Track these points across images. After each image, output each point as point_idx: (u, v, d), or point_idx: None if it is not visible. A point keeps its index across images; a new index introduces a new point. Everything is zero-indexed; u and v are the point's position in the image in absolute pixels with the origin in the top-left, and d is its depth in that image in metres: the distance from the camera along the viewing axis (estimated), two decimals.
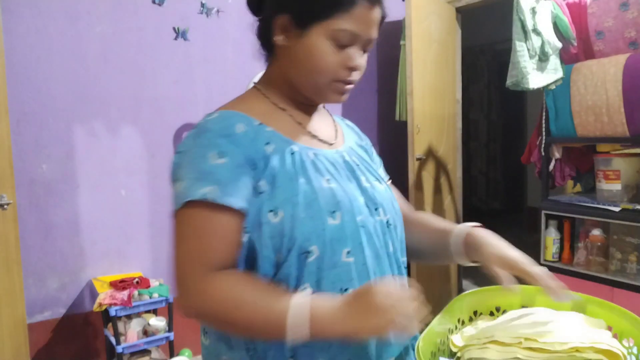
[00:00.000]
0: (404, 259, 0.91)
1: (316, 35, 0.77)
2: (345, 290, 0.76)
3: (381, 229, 0.84)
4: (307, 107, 0.89)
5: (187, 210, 0.74)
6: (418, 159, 2.91)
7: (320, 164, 0.81)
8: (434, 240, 0.94)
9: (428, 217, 1.00)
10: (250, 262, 0.76)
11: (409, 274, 2.86)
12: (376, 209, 0.84)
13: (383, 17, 0.82)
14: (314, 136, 0.86)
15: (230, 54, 2.76)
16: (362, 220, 0.80)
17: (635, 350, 0.78)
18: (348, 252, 0.77)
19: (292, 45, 0.80)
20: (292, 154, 0.79)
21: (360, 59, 0.81)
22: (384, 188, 0.89)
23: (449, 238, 0.90)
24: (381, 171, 0.99)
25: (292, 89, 0.85)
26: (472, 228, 0.90)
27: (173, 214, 0.77)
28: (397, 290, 0.68)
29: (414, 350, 0.83)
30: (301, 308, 0.68)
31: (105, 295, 2.21)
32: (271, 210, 0.74)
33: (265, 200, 0.75)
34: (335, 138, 0.91)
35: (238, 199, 0.73)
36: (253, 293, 0.71)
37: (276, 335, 0.69)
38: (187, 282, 0.72)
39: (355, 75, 0.82)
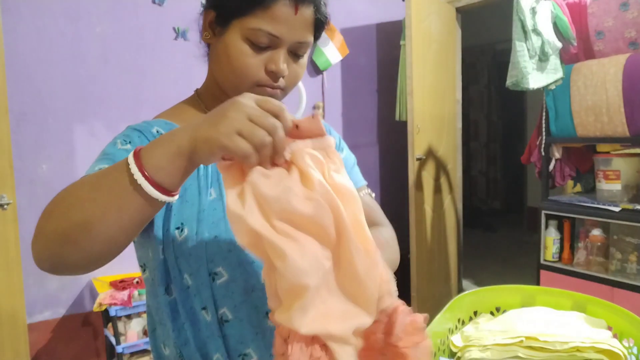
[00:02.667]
0: None
1: (233, 33, 0.72)
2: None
3: None
4: None
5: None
6: (418, 159, 2.91)
7: None
8: None
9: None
10: (168, 282, 0.71)
11: (408, 273, 2.86)
12: None
13: (320, 19, 0.73)
14: None
15: None
16: None
17: (635, 350, 0.78)
18: None
19: (214, 43, 0.76)
20: (207, 165, 0.73)
21: (284, 64, 0.72)
22: None
23: None
24: (353, 177, 0.88)
25: (223, 92, 0.79)
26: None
27: None
28: (267, 101, 0.52)
29: None
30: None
31: (105, 295, 2.22)
32: (177, 227, 0.70)
33: (173, 216, 0.70)
34: None
35: None
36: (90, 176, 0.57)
37: (126, 190, 0.51)
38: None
39: (283, 82, 0.74)
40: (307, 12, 0.71)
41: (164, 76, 2.58)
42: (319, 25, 0.74)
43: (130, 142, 0.71)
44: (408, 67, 2.87)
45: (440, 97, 3.13)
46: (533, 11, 2.10)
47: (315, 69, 3.05)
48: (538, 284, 2.36)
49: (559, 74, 2.20)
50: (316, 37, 0.76)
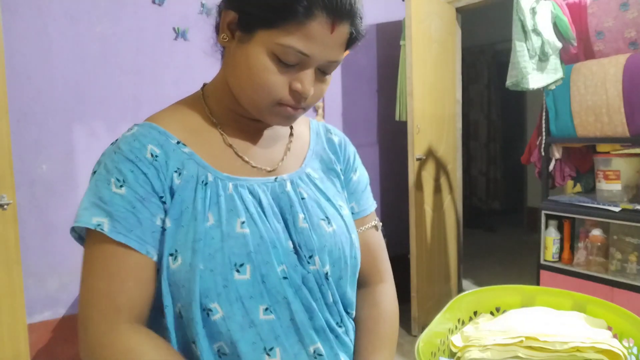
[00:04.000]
0: (351, 312, 0.78)
1: (259, 44, 0.64)
2: (271, 349, 0.66)
3: (315, 280, 0.70)
4: (252, 123, 0.75)
5: (90, 240, 0.65)
6: (418, 159, 2.91)
7: (239, 199, 0.68)
8: (355, 346, 0.78)
9: (367, 322, 0.79)
10: (158, 315, 0.67)
11: (408, 273, 2.86)
12: (310, 257, 0.70)
13: (354, 35, 0.66)
14: (246, 162, 0.72)
15: None
16: (284, 271, 0.67)
17: (635, 350, 0.78)
18: (266, 309, 0.66)
19: (233, 48, 0.67)
20: (205, 184, 0.67)
21: (309, 85, 0.66)
22: (332, 230, 0.73)
23: None
24: (364, 201, 0.84)
25: (233, 99, 0.72)
26: None
27: (71, 231, 0.69)
28: None
29: None
30: None
31: None
32: (171, 254, 0.64)
33: (167, 241, 0.65)
34: (283, 162, 0.76)
35: (132, 238, 0.63)
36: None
37: None
38: (86, 328, 0.62)
39: (306, 102, 0.68)
40: (344, 29, 0.64)
41: (164, 76, 2.58)
42: (353, 41, 0.67)
43: (123, 183, 0.64)
44: (408, 67, 2.87)
45: (440, 97, 3.13)
46: (533, 11, 2.10)
47: None
48: (538, 284, 2.36)
49: (559, 74, 2.20)
50: (348, 50, 0.69)
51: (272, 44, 0.63)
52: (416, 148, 2.88)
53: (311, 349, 0.69)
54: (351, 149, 0.87)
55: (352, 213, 0.83)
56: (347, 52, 0.69)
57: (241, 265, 0.65)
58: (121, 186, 0.64)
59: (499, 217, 5.63)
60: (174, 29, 2.59)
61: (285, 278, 0.67)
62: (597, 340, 0.75)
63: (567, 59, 2.31)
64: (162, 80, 2.57)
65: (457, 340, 0.85)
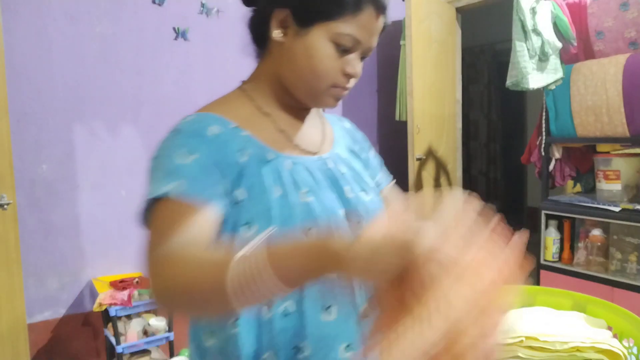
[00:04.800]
0: None
1: (317, 35, 0.73)
2: (328, 307, 0.73)
3: None
4: (296, 111, 0.83)
5: (157, 210, 0.67)
6: (418, 159, 2.91)
7: (298, 175, 0.76)
8: None
9: None
10: None
11: None
12: (359, 222, 0.78)
13: (385, 26, 0.79)
14: (296, 145, 0.80)
15: (230, 54, 2.76)
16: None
17: (635, 350, 0.78)
18: None
19: (289, 42, 0.75)
20: (268, 162, 0.74)
21: (359, 67, 0.77)
22: (370, 199, 0.83)
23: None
24: (380, 175, 0.95)
25: (282, 90, 0.80)
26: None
27: (142, 218, 0.71)
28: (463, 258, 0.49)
29: None
30: (254, 249, 0.55)
31: (105, 295, 2.21)
32: (246, 224, 0.70)
33: (242, 211, 0.70)
34: (322, 144, 0.85)
35: (206, 194, 0.67)
36: (203, 250, 0.62)
37: (221, 292, 0.54)
38: (151, 266, 0.63)
39: (352, 82, 0.78)
40: (381, 20, 0.76)
41: (164, 76, 2.58)
42: (382, 31, 0.79)
43: (189, 154, 0.69)
44: (408, 67, 2.87)
45: (440, 97, 3.12)
46: (533, 11, 2.10)
47: None
48: (538, 284, 2.36)
49: (559, 74, 2.20)
50: None
51: (331, 34, 0.73)
52: (416, 148, 2.88)
53: (361, 310, 0.73)
54: (360, 133, 0.98)
55: (377, 185, 0.94)
56: None
57: (309, 229, 0.72)
58: (189, 156, 0.69)
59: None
60: (174, 29, 2.59)
61: None
62: (597, 340, 0.75)
63: (567, 59, 2.31)
64: (162, 80, 2.57)
65: None
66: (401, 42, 3.10)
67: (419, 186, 2.94)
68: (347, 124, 0.97)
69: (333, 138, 0.89)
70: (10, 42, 2.16)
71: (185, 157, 0.69)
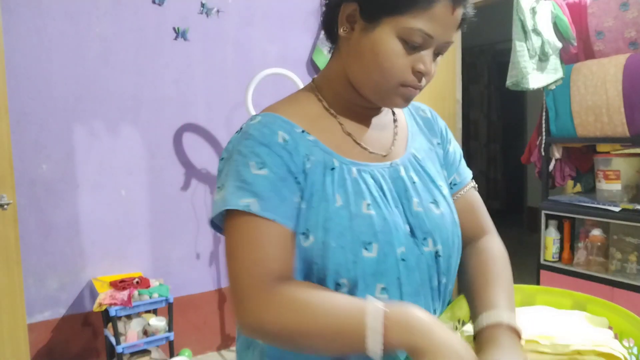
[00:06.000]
0: (451, 288, 0.82)
1: (385, 31, 0.68)
2: None
3: (426, 262, 0.74)
4: (365, 110, 0.79)
5: (234, 220, 0.68)
6: None
7: (363, 183, 0.72)
8: (468, 300, 0.80)
9: (476, 268, 0.81)
10: None
11: None
12: (425, 239, 0.74)
13: (464, 18, 0.72)
14: (364, 149, 0.76)
15: (230, 54, 2.76)
16: (403, 253, 0.71)
17: (635, 350, 0.78)
18: (383, 288, 0.69)
19: (356, 38, 0.71)
20: (332, 169, 0.71)
21: (431, 64, 0.71)
22: (439, 213, 0.77)
23: (473, 319, 0.75)
24: (458, 173, 0.88)
25: (350, 89, 0.76)
26: (490, 326, 0.69)
27: (212, 221, 0.73)
28: None
29: None
30: (378, 311, 0.60)
31: (105, 295, 2.21)
32: (303, 233, 0.69)
33: (300, 220, 0.69)
34: (394, 146, 0.80)
35: (279, 215, 0.67)
36: (323, 297, 0.64)
37: (355, 342, 0.60)
38: (245, 296, 0.65)
39: (424, 81, 0.73)
40: (459, 13, 0.70)
41: (164, 76, 2.58)
42: (463, 24, 0.73)
43: (263, 165, 0.68)
44: None
45: (440, 97, 3.12)
46: (533, 11, 2.10)
47: (315, 69, 3.04)
48: (538, 283, 2.36)
49: (559, 74, 2.20)
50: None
51: (399, 28, 0.67)
52: None
53: None
54: (442, 122, 0.91)
55: (455, 184, 0.88)
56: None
57: (369, 243, 0.69)
58: (261, 168, 0.68)
59: (499, 217, 5.62)
60: (174, 29, 2.59)
61: (403, 260, 0.71)
62: (598, 343, 0.74)
63: (567, 59, 2.31)
64: (162, 80, 2.57)
65: None
66: None
67: None
68: (428, 113, 0.91)
69: (407, 136, 0.84)
70: (10, 42, 2.16)
71: (259, 170, 0.68)
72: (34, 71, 2.26)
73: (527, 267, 2.61)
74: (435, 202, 0.78)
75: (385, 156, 0.78)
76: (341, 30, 0.72)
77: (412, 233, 0.74)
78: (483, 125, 5.75)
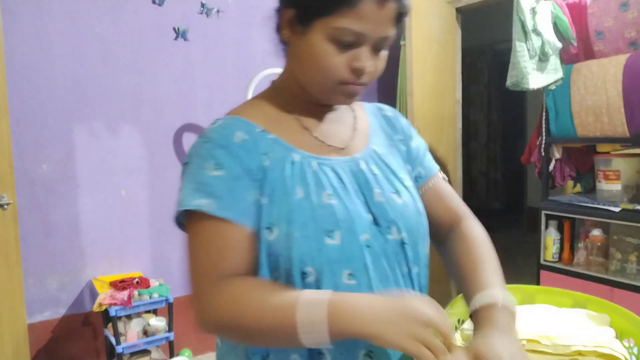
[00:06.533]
0: (425, 277, 0.83)
1: (318, 33, 0.71)
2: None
3: (392, 250, 0.76)
4: (320, 107, 0.82)
5: (192, 220, 0.72)
6: None
7: (324, 175, 0.75)
8: (459, 286, 0.81)
9: (462, 253, 0.82)
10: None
11: None
12: (388, 227, 0.76)
13: (401, 12, 0.73)
14: (322, 142, 0.79)
15: (230, 54, 2.76)
16: (368, 240, 0.74)
17: (635, 350, 0.78)
18: (350, 275, 0.72)
19: (295, 42, 0.75)
20: (293, 163, 0.74)
21: (369, 60, 0.74)
22: (402, 202, 0.79)
23: (467, 301, 0.76)
24: (422, 167, 0.89)
25: (301, 89, 0.80)
26: (485, 307, 0.70)
27: (175, 220, 0.76)
28: (439, 320, 0.62)
29: None
30: (316, 303, 0.62)
31: (105, 295, 2.21)
32: (267, 227, 0.71)
33: (263, 216, 0.71)
34: (353, 140, 0.83)
35: (235, 213, 0.70)
36: (262, 292, 0.67)
37: (288, 337, 0.63)
38: (199, 296, 0.70)
39: (366, 78, 0.75)
40: (392, 6, 0.71)
41: (164, 76, 2.58)
42: (401, 17, 0.74)
43: (220, 167, 0.71)
44: (408, 67, 2.87)
45: (440, 97, 3.12)
46: (533, 11, 2.10)
47: None
48: (538, 284, 2.36)
49: (559, 74, 2.20)
50: (396, 29, 0.76)
51: (329, 29, 0.70)
52: None
53: None
54: (404, 120, 0.94)
55: (420, 177, 0.90)
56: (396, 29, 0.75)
57: (332, 231, 0.71)
58: (218, 169, 0.71)
59: (499, 217, 5.63)
60: (174, 29, 2.59)
61: (368, 246, 0.73)
62: (599, 344, 0.74)
63: (567, 59, 2.30)
64: (162, 80, 2.57)
65: (457, 339, 0.84)
66: (401, 42, 3.10)
67: None
68: (389, 112, 0.93)
69: (368, 132, 0.86)
70: (10, 42, 2.16)
71: (215, 171, 0.71)
72: (34, 71, 2.26)
73: (527, 267, 2.62)
74: (397, 192, 0.80)
75: (343, 149, 0.80)
76: (282, 34, 0.76)
77: (376, 222, 0.76)
78: (483, 126, 5.74)
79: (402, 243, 0.77)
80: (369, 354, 0.72)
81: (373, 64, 0.75)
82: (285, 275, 0.70)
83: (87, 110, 2.40)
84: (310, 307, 0.62)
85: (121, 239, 2.51)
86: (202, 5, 2.66)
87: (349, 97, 0.78)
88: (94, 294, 2.37)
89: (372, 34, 0.71)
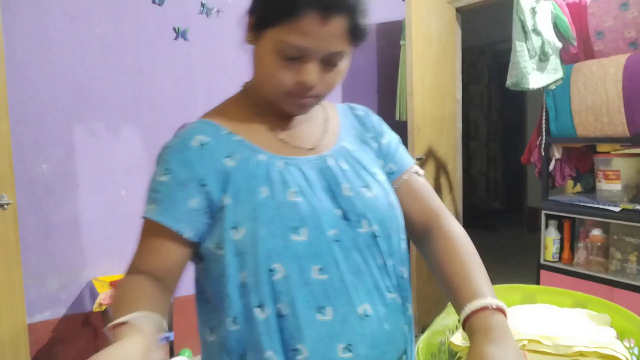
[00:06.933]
0: (403, 269, 0.83)
1: (266, 43, 0.71)
2: (322, 308, 0.72)
3: (364, 243, 0.76)
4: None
5: (143, 225, 0.77)
6: (418, 159, 2.90)
7: (289, 174, 0.75)
8: (444, 289, 0.77)
9: (445, 256, 0.78)
10: (220, 283, 0.74)
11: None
12: (358, 221, 0.76)
13: (355, 27, 0.70)
14: (287, 142, 0.80)
15: (230, 54, 2.76)
16: (336, 234, 0.74)
17: (636, 350, 0.78)
18: (320, 269, 0.72)
19: (253, 49, 0.76)
20: (258, 164, 0.75)
21: (315, 75, 0.71)
22: (372, 195, 0.79)
23: (457, 309, 0.72)
24: (395, 162, 0.89)
25: None
26: (474, 315, 0.67)
27: None
28: None
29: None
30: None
31: (105, 295, 2.21)
32: (233, 227, 0.72)
33: (228, 216, 0.72)
34: (322, 140, 0.83)
35: (169, 219, 0.73)
36: (133, 292, 0.71)
37: None
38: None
39: (316, 91, 0.74)
40: (339, 22, 0.68)
41: (164, 76, 2.57)
42: (357, 34, 0.71)
43: (167, 172, 0.74)
44: (408, 67, 2.87)
45: (440, 97, 3.12)
46: (533, 11, 2.10)
47: None
48: (538, 283, 2.36)
49: (559, 74, 2.20)
50: (356, 44, 0.74)
51: (274, 41, 0.70)
52: (416, 148, 2.88)
53: (360, 310, 0.74)
54: (375, 117, 0.93)
55: (392, 173, 0.89)
56: (353, 44, 0.73)
57: (297, 228, 0.72)
58: (165, 174, 0.74)
59: (499, 217, 5.63)
60: (174, 29, 2.59)
61: (337, 241, 0.74)
62: (600, 345, 0.74)
63: (567, 59, 2.31)
64: (162, 80, 2.57)
65: (457, 339, 0.84)
66: (401, 42, 3.10)
67: None
68: (360, 111, 0.93)
69: (339, 130, 0.87)
70: (11, 42, 2.16)
71: (163, 176, 0.75)
72: (34, 71, 2.26)
73: (527, 267, 2.62)
74: (366, 185, 0.80)
75: (311, 150, 0.81)
76: (247, 38, 0.76)
77: (345, 217, 0.76)
78: (483, 125, 5.74)
79: (374, 236, 0.77)
80: (349, 347, 0.72)
81: (322, 79, 0.73)
82: (253, 274, 0.71)
83: (87, 110, 2.40)
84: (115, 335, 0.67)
85: (121, 239, 2.51)
86: (202, 5, 2.66)
87: (299, 108, 0.78)
88: (94, 294, 2.37)
89: (316, 49, 0.69)
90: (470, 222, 4.92)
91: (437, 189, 3.13)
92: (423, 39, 2.90)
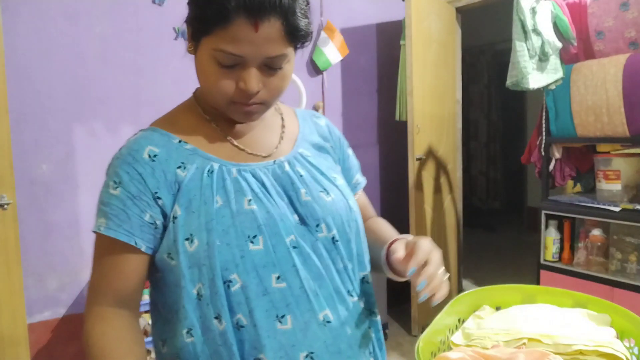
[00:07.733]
0: (364, 273, 0.84)
1: (203, 52, 0.70)
2: (283, 317, 0.71)
3: (324, 247, 0.76)
4: None
5: (96, 239, 0.75)
6: (418, 159, 2.91)
7: (244, 181, 0.74)
8: (372, 252, 0.86)
9: (375, 226, 0.92)
10: (175, 294, 0.73)
11: None
12: (317, 225, 0.76)
13: (292, 27, 0.68)
14: (242, 149, 0.78)
15: None
16: (294, 241, 0.73)
17: (636, 350, 0.78)
18: (278, 278, 0.71)
19: (194, 58, 0.75)
20: (212, 172, 0.73)
21: (256, 81, 0.69)
22: (331, 199, 0.79)
23: (380, 249, 0.83)
24: (356, 179, 0.95)
25: None
26: (393, 242, 0.81)
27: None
28: None
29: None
30: None
31: None
32: (187, 239, 0.70)
33: (180, 227, 0.70)
34: (279, 145, 0.82)
35: (124, 233, 0.71)
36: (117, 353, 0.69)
37: None
38: (87, 304, 0.74)
39: (262, 97, 0.72)
40: (271, 25, 0.66)
41: (164, 76, 2.57)
42: (295, 35, 0.69)
43: (118, 185, 0.73)
44: (408, 67, 2.87)
45: (440, 97, 3.12)
46: (533, 11, 2.10)
47: (315, 69, 3.05)
48: (538, 283, 2.36)
49: (559, 74, 2.20)
50: (297, 46, 0.72)
51: (210, 49, 0.68)
52: (416, 148, 2.88)
53: (320, 316, 0.74)
54: (337, 131, 0.94)
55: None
56: (293, 46, 0.72)
57: (254, 236, 0.71)
58: (116, 187, 0.73)
59: (499, 217, 5.63)
60: (174, 29, 2.59)
61: (295, 247, 0.73)
62: (600, 344, 0.74)
63: (567, 59, 2.31)
64: (162, 80, 2.57)
65: (457, 338, 0.84)
66: (401, 42, 3.10)
67: (419, 186, 2.94)
68: (322, 122, 0.92)
69: (297, 137, 0.85)
70: (10, 42, 2.16)
71: (114, 190, 0.73)
72: (34, 71, 2.26)
73: (527, 267, 2.62)
74: (325, 190, 0.79)
75: (267, 156, 0.79)
76: (188, 47, 0.75)
77: (303, 222, 0.76)
78: (483, 125, 5.75)
79: (334, 240, 0.77)
80: (311, 355, 0.72)
81: (269, 82, 0.71)
82: (210, 285, 0.70)
83: (87, 110, 2.40)
84: None
85: None
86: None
87: (246, 116, 0.75)
88: None
89: (252, 54, 0.67)
90: (470, 222, 4.92)
91: (437, 189, 3.13)
92: (423, 39, 2.90)
